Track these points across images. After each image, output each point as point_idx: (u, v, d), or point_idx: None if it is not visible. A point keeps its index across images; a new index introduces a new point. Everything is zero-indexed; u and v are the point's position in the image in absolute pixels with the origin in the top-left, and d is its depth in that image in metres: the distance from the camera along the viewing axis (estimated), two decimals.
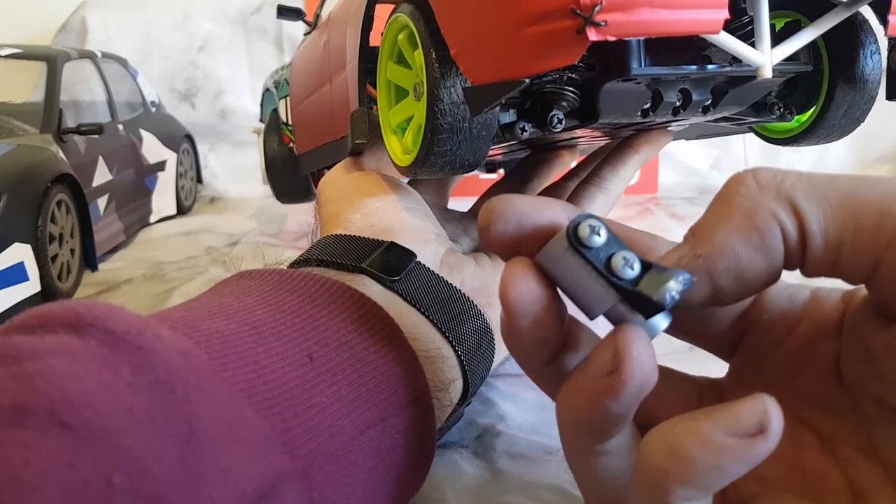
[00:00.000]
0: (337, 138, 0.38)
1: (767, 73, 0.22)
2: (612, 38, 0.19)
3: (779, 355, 0.20)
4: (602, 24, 0.19)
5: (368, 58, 0.32)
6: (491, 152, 0.34)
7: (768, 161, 1.03)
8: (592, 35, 0.19)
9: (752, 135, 0.35)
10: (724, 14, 0.20)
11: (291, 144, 0.53)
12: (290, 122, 0.52)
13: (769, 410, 0.15)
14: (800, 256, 0.17)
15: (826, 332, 0.19)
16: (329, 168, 0.37)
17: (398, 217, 0.31)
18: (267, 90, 0.60)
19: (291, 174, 0.55)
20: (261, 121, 0.62)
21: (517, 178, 0.45)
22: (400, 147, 0.30)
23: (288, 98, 0.51)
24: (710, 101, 0.27)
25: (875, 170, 1.01)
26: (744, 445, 0.14)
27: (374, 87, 0.31)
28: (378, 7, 0.31)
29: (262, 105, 0.62)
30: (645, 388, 0.16)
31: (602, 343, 0.17)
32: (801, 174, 0.17)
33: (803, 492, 0.18)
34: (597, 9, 0.19)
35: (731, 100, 0.27)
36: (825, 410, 0.19)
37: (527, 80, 0.21)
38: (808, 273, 0.17)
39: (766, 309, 0.20)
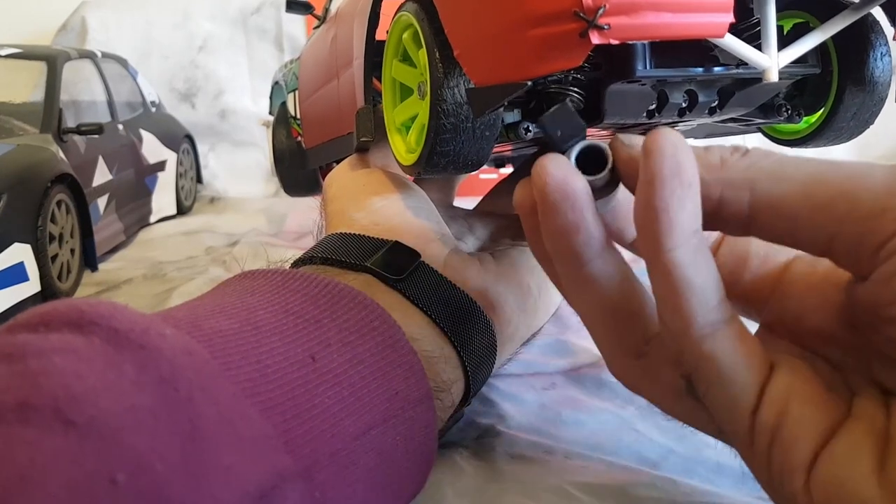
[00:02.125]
0: (344, 134, 0.38)
1: (773, 77, 0.22)
2: (615, 42, 0.19)
3: (799, 306, 0.22)
4: (605, 27, 0.19)
5: (375, 52, 0.32)
6: (499, 149, 0.34)
7: None
8: (595, 38, 0.19)
9: (756, 135, 0.35)
10: (730, 18, 0.19)
11: (299, 138, 0.53)
12: (298, 116, 0.52)
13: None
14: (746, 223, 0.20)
15: (839, 287, 0.21)
16: (337, 163, 0.37)
17: (403, 216, 0.31)
18: (276, 83, 0.60)
19: (299, 167, 0.55)
20: (270, 113, 0.62)
21: (523, 176, 0.45)
22: (403, 146, 0.30)
23: (297, 92, 0.51)
24: (716, 103, 0.27)
25: None
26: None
27: (381, 82, 0.31)
28: (385, 3, 0.31)
29: (271, 98, 0.62)
30: (568, 193, 0.20)
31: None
32: (770, 155, 0.20)
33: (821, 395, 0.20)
34: (600, 12, 0.18)
35: (738, 101, 0.27)
36: (836, 346, 0.21)
37: (529, 83, 0.21)
38: (764, 238, 0.21)
39: (792, 273, 0.23)
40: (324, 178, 0.57)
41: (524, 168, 0.45)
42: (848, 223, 0.18)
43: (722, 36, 0.20)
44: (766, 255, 0.23)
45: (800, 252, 0.22)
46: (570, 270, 0.22)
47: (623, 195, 0.23)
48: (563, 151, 0.22)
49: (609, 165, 0.22)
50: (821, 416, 0.19)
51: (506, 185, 0.45)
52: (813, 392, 0.20)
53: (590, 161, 0.22)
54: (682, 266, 0.19)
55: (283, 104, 0.57)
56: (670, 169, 0.18)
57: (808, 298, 0.22)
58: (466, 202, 0.45)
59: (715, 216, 0.20)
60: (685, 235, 0.19)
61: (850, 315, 0.21)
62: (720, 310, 0.20)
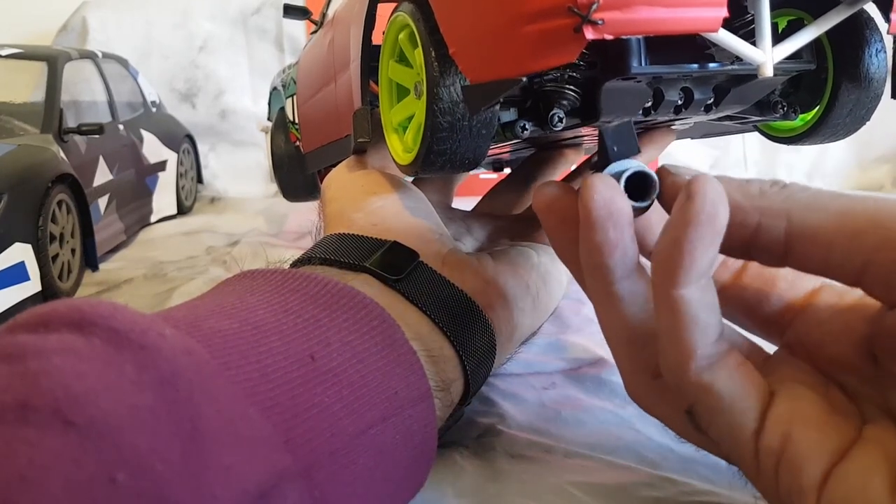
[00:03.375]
0: (341, 137, 0.38)
1: (768, 72, 0.22)
2: (609, 37, 0.19)
3: (821, 332, 0.23)
4: (599, 22, 0.19)
5: (371, 56, 0.32)
6: (496, 151, 0.34)
7: (768, 161, 1.03)
8: (589, 34, 0.19)
9: (752, 135, 0.35)
10: (723, 12, 0.20)
11: (298, 143, 0.53)
12: (296, 121, 0.52)
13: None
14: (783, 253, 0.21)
15: (865, 318, 0.22)
16: (335, 166, 0.37)
17: (401, 216, 0.31)
18: (274, 89, 0.60)
19: (298, 172, 0.55)
20: (269, 119, 0.62)
21: (521, 177, 0.45)
22: (401, 145, 0.30)
23: (294, 97, 0.52)
24: (712, 100, 0.27)
25: (875, 169, 1.01)
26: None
27: (378, 85, 0.32)
28: (380, 6, 0.31)
29: (269, 104, 0.62)
30: (612, 212, 0.21)
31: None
32: (807, 189, 0.21)
33: (826, 420, 0.21)
34: (594, 7, 0.19)
35: (734, 98, 0.27)
36: (853, 375, 0.22)
37: (524, 79, 0.22)
38: (799, 268, 0.21)
39: (819, 300, 0.23)
40: (322, 182, 0.57)
41: (522, 170, 0.45)
42: (882, 251, 0.19)
43: (716, 30, 0.20)
44: (794, 279, 0.24)
45: (827, 280, 0.23)
46: (601, 286, 0.23)
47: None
48: (609, 163, 0.23)
49: (655, 194, 0.23)
50: (827, 439, 0.20)
51: (503, 186, 0.45)
52: (818, 415, 0.20)
53: (635, 183, 0.23)
54: (691, 303, 0.20)
55: (282, 109, 0.57)
56: (708, 215, 0.19)
57: (831, 326, 0.23)
58: (466, 203, 0.45)
59: (753, 244, 0.21)
60: (699, 276, 0.20)
61: (872, 346, 0.21)
62: (718, 344, 0.21)
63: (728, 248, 0.21)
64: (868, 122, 0.30)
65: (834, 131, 0.30)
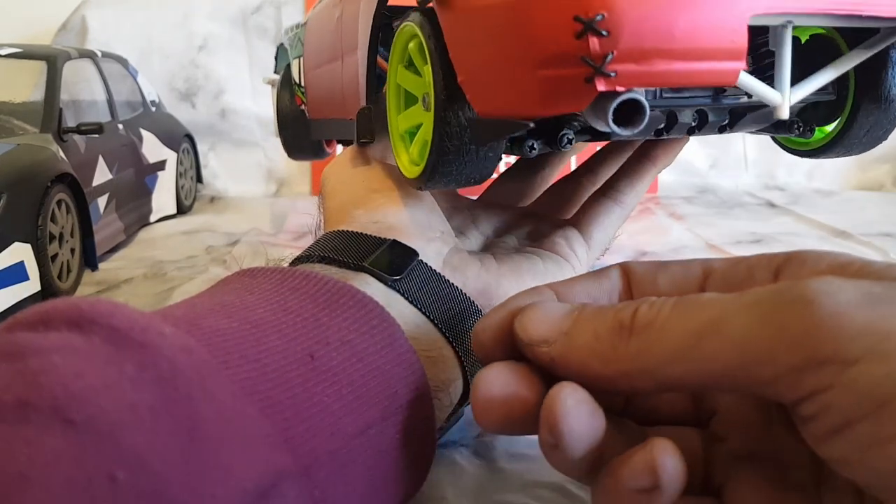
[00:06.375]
0: (346, 118, 0.37)
1: (784, 115, 0.21)
2: (620, 90, 0.18)
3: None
4: (612, 74, 0.18)
5: (383, 34, 0.31)
6: None
7: (768, 161, 1.03)
8: (601, 86, 0.18)
9: (750, 136, 0.35)
10: (742, 65, 0.19)
11: (303, 106, 0.52)
12: (302, 84, 0.50)
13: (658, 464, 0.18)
14: None
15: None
16: (339, 142, 0.36)
17: (403, 213, 0.31)
18: (281, 45, 0.58)
19: (304, 134, 0.54)
20: (275, 72, 0.60)
21: (530, 164, 0.44)
22: (407, 157, 0.29)
23: (301, 59, 0.50)
24: (727, 122, 0.27)
25: (875, 170, 1.01)
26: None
27: (386, 60, 0.30)
28: None
29: (276, 58, 0.60)
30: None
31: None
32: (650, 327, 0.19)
33: None
34: (608, 58, 0.18)
35: (749, 122, 0.27)
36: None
37: (531, 124, 0.21)
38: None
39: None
40: (329, 144, 0.56)
41: (526, 162, 0.45)
42: (759, 389, 0.18)
43: (734, 84, 0.19)
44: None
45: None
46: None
47: None
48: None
49: (643, 125, 0.20)
50: None
51: (512, 174, 0.44)
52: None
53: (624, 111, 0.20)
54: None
55: (288, 67, 0.55)
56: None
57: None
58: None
59: (630, 402, 0.23)
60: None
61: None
62: None
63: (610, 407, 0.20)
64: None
65: (849, 149, 0.29)
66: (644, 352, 0.19)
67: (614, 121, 0.19)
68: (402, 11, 0.29)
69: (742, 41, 0.19)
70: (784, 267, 0.22)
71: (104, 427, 0.15)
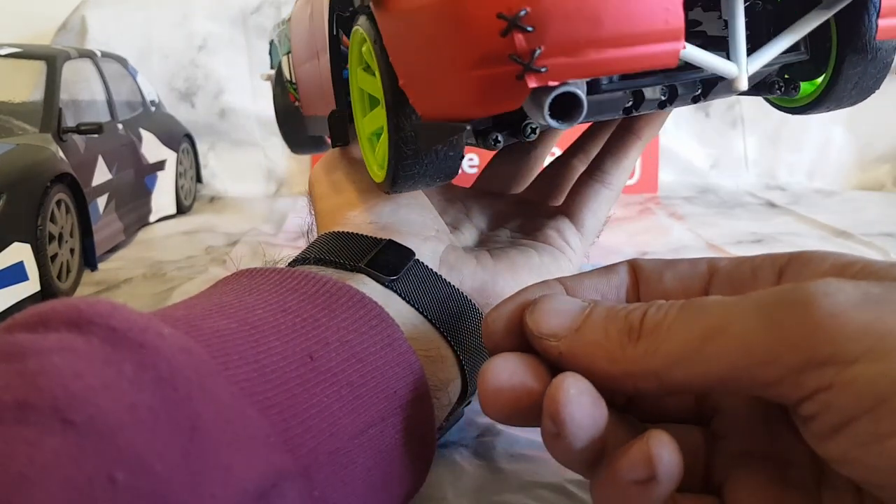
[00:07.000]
0: None
1: (743, 86, 0.21)
2: (554, 83, 0.18)
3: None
4: (542, 69, 0.17)
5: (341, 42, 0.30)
6: None
7: (768, 161, 1.03)
8: (532, 82, 0.18)
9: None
10: (680, 45, 0.18)
11: (297, 103, 0.51)
12: (294, 81, 0.50)
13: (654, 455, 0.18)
14: None
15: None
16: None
17: (397, 213, 0.31)
18: (272, 42, 0.58)
19: (302, 129, 0.54)
20: (271, 67, 0.60)
21: (521, 148, 0.42)
22: (374, 161, 0.29)
23: (290, 55, 0.48)
24: (700, 91, 0.26)
25: (875, 169, 1.01)
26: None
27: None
28: None
29: (270, 54, 0.60)
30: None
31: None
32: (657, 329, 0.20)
33: None
34: (536, 53, 0.17)
35: (722, 89, 0.26)
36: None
37: (468, 126, 0.20)
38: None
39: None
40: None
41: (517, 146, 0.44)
42: (762, 390, 0.18)
43: (674, 66, 0.19)
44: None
45: None
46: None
47: None
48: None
49: (580, 118, 0.20)
50: None
51: (503, 158, 0.43)
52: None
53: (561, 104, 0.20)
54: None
55: (280, 64, 0.55)
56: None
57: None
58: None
59: (633, 400, 0.23)
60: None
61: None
62: None
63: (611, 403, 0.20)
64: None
65: (840, 102, 0.28)
66: (650, 354, 0.19)
67: (552, 115, 0.19)
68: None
69: (678, 21, 0.18)
70: (787, 267, 0.22)
71: (104, 427, 0.15)
